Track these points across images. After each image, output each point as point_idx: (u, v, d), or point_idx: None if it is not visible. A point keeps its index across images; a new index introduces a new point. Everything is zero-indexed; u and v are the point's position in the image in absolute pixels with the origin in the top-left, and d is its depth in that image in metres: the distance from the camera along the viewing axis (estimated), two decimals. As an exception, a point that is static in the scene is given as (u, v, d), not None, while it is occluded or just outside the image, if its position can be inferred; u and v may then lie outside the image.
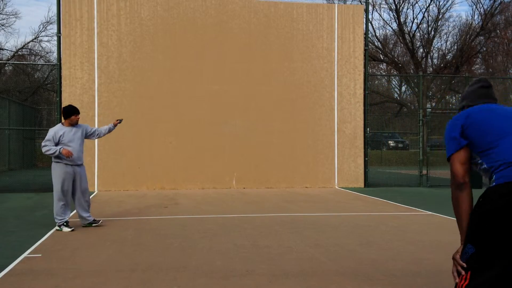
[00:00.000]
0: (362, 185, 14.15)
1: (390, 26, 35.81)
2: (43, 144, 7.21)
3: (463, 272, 2.52)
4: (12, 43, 78.47)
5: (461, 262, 2.54)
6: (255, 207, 9.90)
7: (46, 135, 7.25)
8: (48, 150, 7.12)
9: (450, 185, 2.73)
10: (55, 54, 14.22)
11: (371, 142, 20.53)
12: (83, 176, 7.43)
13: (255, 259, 5.45)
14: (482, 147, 2.62)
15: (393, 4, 32.94)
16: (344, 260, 5.46)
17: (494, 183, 2.52)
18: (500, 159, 2.54)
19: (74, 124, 7.41)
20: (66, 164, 7.21)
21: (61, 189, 7.18)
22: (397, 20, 33.32)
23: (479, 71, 36.27)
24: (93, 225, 7.46)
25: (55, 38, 19.30)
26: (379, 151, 27.66)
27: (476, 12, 45.16)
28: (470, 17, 59.93)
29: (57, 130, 7.26)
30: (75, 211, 7.68)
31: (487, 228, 2.45)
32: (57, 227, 7.20)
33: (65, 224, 7.17)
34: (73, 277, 4.74)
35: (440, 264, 5.27)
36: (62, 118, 7.42)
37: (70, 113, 7.32)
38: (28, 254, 5.71)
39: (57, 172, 7.21)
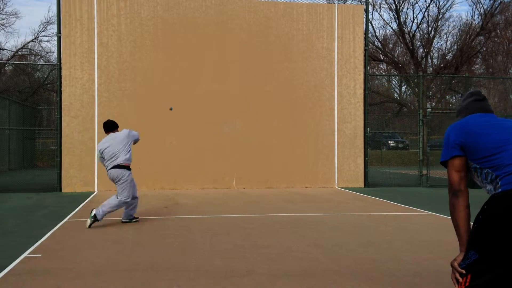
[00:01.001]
0: (362, 185, 14.16)
1: (390, 26, 35.73)
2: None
3: (460, 279, 2.52)
4: (12, 43, 78.53)
5: (459, 269, 2.54)
6: (255, 207, 9.90)
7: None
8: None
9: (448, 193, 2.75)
10: (55, 54, 14.23)
11: (371, 142, 20.53)
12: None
13: (255, 259, 5.45)
14: (482, 154, 2.61)
15: (393, 4, 32.95)
16: (344, 260, 5.46)
17: (500, 189, 2.50)
18: (506, 165, 2.53)
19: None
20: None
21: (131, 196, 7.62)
22: (397, 20, 33.33)
23: (479, 71, 36.27)
24: (133, 220, 7.92)
25: (55, 38, 19.30)
26: (379, 151, 27.66)
27: (476, 12, 45.21)
28: (470, 17, 59.98)
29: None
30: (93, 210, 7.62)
31: (490, 234, 2.43)
32: (92, 217, 7.32)
33: (95, 219, 7.39)
34: (73, 277, 4.74)
35: (440, 264, 5.27)
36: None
37: (114, 128, 7.86)
38: (28, 254, 5.71)
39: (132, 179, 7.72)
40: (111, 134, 7.76)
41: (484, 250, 2.44)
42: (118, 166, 7.51)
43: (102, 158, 7.65)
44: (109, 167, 7.55)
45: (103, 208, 7.40)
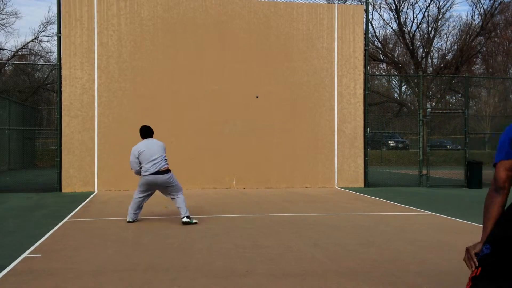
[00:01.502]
0: (362, 185, 14.16)
1: (390, 26, 35.78)
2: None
3: (473, 268, 2.53)
4: (12, 43, 78.57)
5: (473, 255, 2.54)
6: (255, 207, 9.90)
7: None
8: None
9: (488, 189, 2.73)
10: (55, 54, 14.23)
11: (371, 142, 20.53)
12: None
13: (255, 259, 5.45)
14: None
15: (393, 4, 32.98)
16: (344, 260, 5.46)
17: None
18: None
19: None
20: None
21: None
22: (397, 20, 33.35)
23: (479, 71, 36.29)
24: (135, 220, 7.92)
25: (55, 38, 19.30)
26: (379, 151, 27.67)
27: (476, 12, 45.22)
28: (470, 17, 60.02)
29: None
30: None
31: (505, 231, 2.45)
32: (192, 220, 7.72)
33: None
34: (73, 277, 4.74)
35: (440, 264, 5.27)
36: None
37: (151, 134, 8.13)
38: (28, 254, 5.71)
39: None
40: (148, 140, 7.96)
41: (496, 247, 2.46)
42: (163, 172, 7.67)
43: (136, 160, 7.70)
44: (150, 172, 7.61)
45: (185, 208, 7.69)
